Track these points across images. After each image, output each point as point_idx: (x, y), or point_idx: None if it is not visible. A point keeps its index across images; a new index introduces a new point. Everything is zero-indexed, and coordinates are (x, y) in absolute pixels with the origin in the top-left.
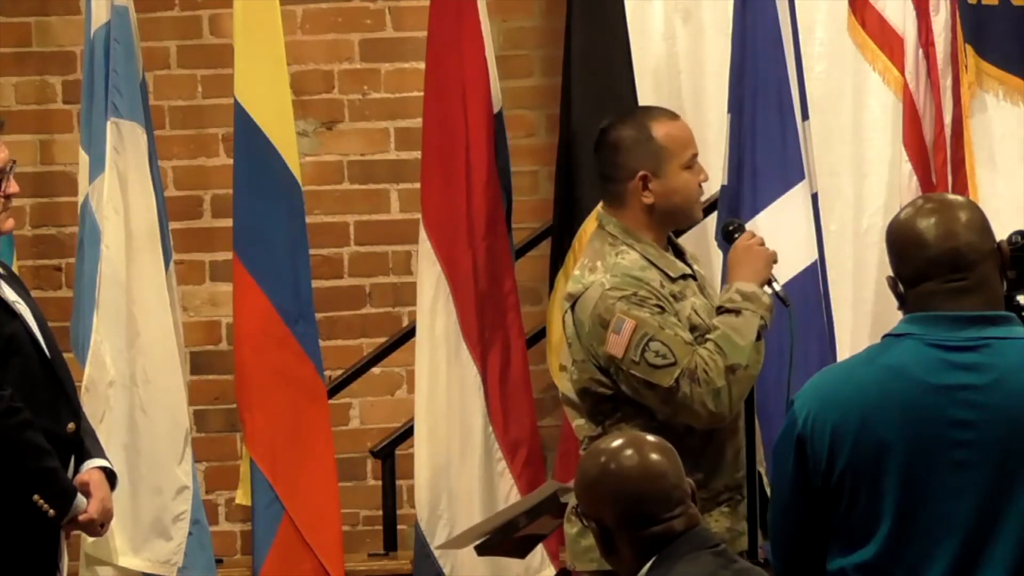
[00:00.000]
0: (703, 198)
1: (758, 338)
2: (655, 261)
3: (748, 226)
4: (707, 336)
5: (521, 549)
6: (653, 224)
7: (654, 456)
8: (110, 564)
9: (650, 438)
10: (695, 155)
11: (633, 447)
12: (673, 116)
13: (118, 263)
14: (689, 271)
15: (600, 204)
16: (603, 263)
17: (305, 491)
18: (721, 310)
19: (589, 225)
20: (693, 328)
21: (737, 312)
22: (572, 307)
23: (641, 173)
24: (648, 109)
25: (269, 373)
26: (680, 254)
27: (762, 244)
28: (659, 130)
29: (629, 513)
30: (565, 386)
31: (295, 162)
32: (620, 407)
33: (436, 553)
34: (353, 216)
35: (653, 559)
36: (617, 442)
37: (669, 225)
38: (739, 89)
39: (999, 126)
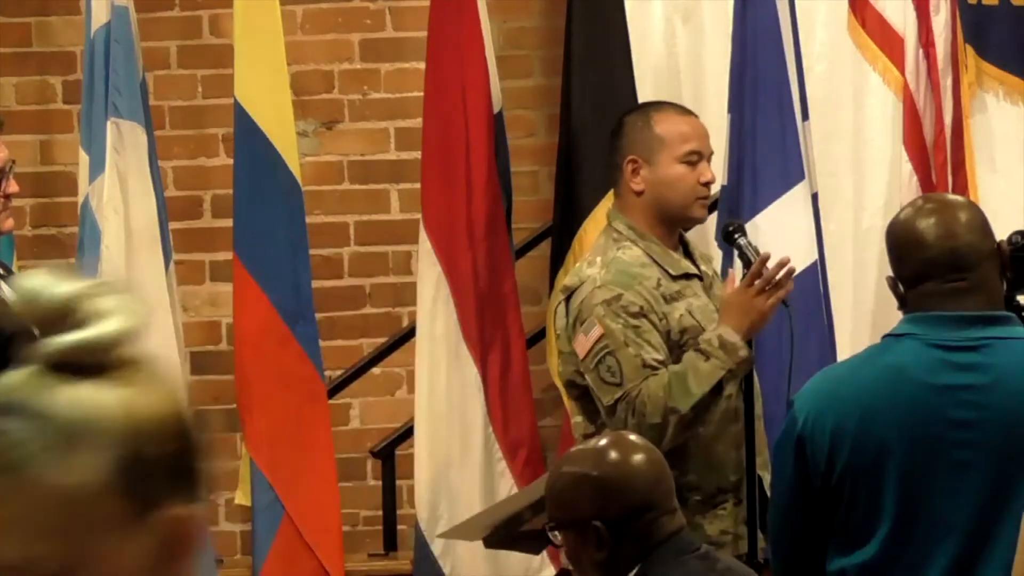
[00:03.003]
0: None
1: (716, 388)
2: (657, 259)
3: (748, 226)
4: (669, 367)
5: (532, 544)
6: (656, 221)
7: (652, 448)
8: None
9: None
10: (696, 152)
11: (629, 441)
12: (684, 112)
13: (118, 263)
14: (695, 270)
15: (610, 201)
16: (602, 258)
17: (305, 491)
18: (695, 348)
19: (589, 225)
20: (683, 331)
21: (707, 357)
22: (567, 299)
23: (630, 157)
24: (661, 102)
25: (269, 373)
26: (690, 254)
27: (772, 290)
28: (660, 121)
29: (642, 500)
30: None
31: (295, 162)
32: None
33: (436, 553)
34: (353, 216)
35: (638, 567)
36: (610, 438)
37: (669, 221)
38: (739, 89)
39: (999, 126)
